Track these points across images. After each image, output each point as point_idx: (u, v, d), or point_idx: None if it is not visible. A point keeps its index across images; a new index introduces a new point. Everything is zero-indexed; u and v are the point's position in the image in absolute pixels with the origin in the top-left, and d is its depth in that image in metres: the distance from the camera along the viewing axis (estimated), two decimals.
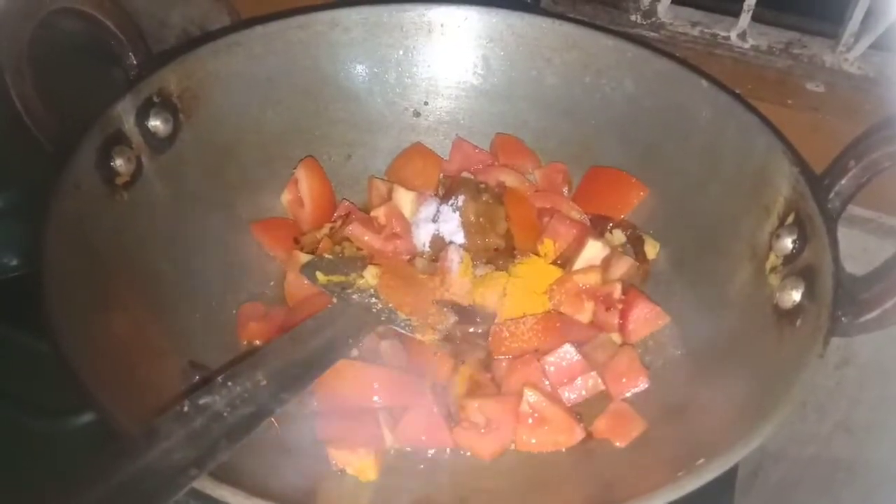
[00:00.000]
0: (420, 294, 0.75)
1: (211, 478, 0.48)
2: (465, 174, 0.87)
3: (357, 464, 0.63)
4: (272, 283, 0.80)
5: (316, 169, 0.84)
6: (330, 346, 0.66)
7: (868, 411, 1.09)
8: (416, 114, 0.89)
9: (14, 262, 0.84)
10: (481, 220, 0.80)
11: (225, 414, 0.53)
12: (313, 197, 0.82)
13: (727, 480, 0.71)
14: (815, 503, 1.24)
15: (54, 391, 0.68)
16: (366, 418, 0.66)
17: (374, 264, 0.77)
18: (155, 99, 0.72)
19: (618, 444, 0.66)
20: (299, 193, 0.83)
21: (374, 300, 0.74)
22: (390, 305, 0.73)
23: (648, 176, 0.82)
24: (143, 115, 0.71)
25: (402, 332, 0.73)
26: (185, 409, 0.51)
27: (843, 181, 0.65)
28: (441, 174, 0.88)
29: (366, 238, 0.80)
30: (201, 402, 0.52)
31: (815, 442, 1.15)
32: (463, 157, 0.88)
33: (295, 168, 0.84)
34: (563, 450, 0.67)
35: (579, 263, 0.78)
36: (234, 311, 0.75)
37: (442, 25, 0.86)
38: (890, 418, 1.08)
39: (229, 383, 0.55)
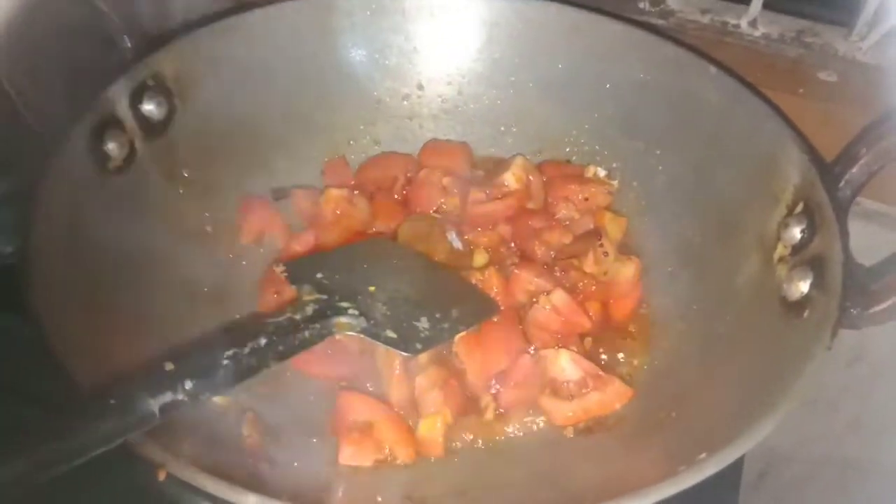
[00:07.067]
0: None
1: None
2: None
3: None
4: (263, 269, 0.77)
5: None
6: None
7: (880, 410, 1.06)
8: (418, 100, 0.87)
9: (10, 249, 0.82)
10: None
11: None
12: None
13: (732, 478, 0.69)
14: None
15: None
16: None
17: None
18: (149, 83, 0.71)
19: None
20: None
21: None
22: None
23: (655, 163, 0.80)
24: (136, 99, 0.70)
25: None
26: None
27: (853, 169, 0.63)
28: None
29: None
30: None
31: (826, 441, 1.13)
32: None
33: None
34: (570, 435, 0.66)
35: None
36: (223, 299, 0.73)
37: (445, 10, 0.84)
38: None
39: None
